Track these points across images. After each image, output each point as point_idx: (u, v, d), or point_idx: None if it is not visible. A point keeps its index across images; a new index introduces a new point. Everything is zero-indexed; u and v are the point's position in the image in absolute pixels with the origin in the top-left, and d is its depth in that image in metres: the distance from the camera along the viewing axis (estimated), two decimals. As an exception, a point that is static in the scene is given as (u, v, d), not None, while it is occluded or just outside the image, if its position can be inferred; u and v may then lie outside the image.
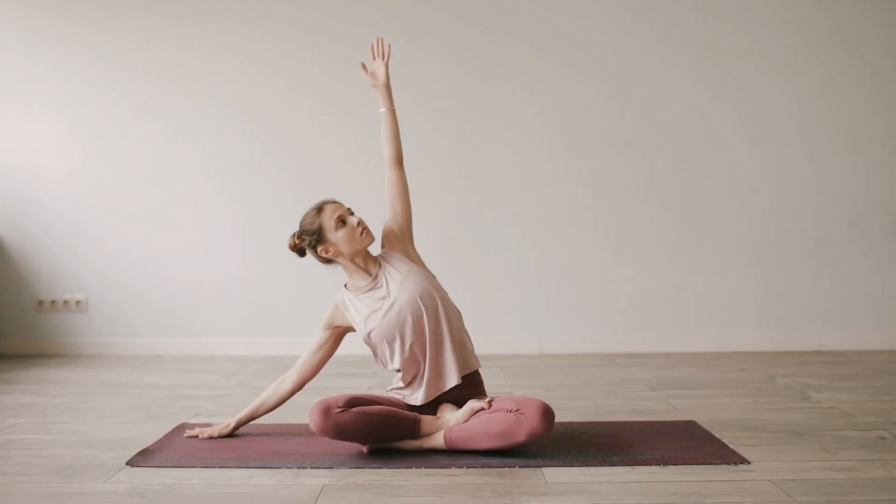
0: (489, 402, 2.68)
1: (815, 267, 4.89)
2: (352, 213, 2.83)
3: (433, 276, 2.85)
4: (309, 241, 2.81)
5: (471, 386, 2.81)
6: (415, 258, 2.89)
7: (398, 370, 2.79)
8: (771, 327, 4.89)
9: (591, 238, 4.90)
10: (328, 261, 2.84)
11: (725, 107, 4.88)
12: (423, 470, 2.52)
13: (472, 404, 2.69)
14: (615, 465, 2.54)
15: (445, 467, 2.53)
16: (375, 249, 2.90)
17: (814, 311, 4.89)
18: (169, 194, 4.89)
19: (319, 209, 2.81)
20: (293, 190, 4.87)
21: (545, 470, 2.50)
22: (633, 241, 4.89)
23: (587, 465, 2.54)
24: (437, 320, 2.74)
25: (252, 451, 2.73)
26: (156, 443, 2.85)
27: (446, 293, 2.84)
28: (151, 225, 4.90)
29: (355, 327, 2.83)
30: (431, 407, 2.79)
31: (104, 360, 4.67)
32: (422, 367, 2.76)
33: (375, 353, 2.82)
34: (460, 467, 2.53)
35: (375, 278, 2.81)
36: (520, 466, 2.53)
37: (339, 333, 2.90)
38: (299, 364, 2.92)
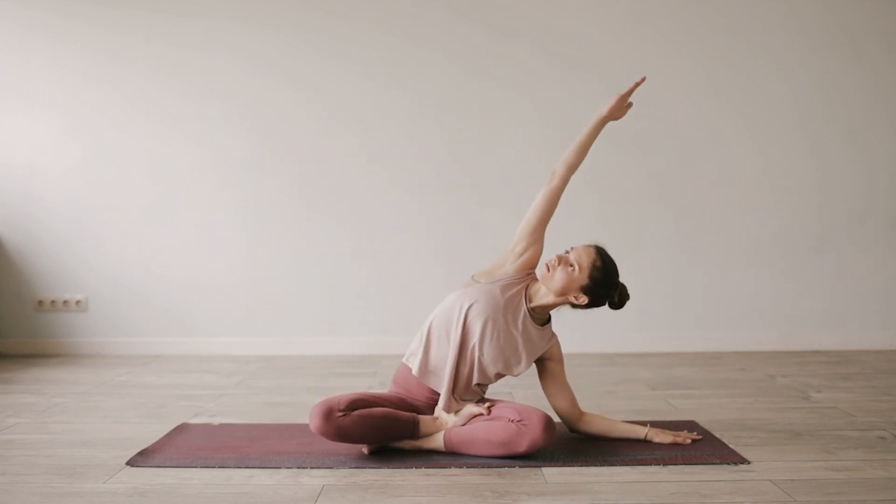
0: (488, 407, 2.68)
1: (815, 267, 4.89)
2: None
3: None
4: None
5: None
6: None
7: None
8: (771, 327, 4.89)
9: (590, 237, 4.84)
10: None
11: (727, 105, 4.88)
12: (423, 470, 2.52)
13: (471, 409, 2.68)
14: (615, 465, 2.54)
15: (445, 467, 2.53)
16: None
17: (814, 311, 4.89)
18: (169, 192, 4.89)
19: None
20: (293, 188, 4.87)
21: (545, 470, 2.50)
22: (634, 241, 4.89)
23: (587, 465, 2.54)
24: (467, 340, 2.72)
25: (252, 451, 2.73)
26: (156, 443, 2.84)
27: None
28: (151, 223, 4.90)
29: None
30: (429, 407, 2.78)
31: (104, 360, 4.67)
32: (429, 355, 2.76)
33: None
34: (460, 467, 2.53)
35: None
36: (520, 466, 2.53)
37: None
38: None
